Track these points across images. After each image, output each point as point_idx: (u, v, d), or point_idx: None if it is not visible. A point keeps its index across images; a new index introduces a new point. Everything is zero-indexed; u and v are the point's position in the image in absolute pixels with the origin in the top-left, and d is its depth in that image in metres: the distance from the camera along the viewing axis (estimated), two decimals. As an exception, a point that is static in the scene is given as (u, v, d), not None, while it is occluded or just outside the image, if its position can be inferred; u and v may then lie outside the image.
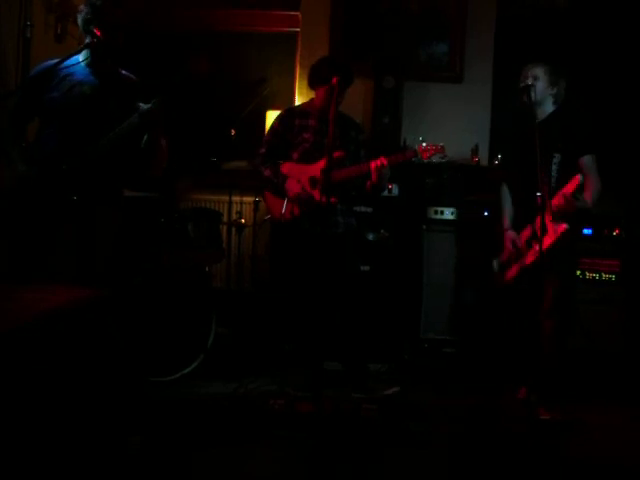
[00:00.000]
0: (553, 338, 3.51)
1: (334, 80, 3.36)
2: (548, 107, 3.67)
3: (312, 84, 3.80)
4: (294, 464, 2.85)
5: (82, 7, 3.17)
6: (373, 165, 3.57)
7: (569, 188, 3.40)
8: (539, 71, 3.62)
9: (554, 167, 3.57)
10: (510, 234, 3.75)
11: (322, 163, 3.53)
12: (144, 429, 2.90)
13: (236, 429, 3.14)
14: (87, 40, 3.16)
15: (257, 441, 3.07)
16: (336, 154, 3.52)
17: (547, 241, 3.41)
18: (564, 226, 3.43)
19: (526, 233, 3.65)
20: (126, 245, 3.65)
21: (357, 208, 4.32)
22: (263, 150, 3.81)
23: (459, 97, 5.12)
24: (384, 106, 4.96)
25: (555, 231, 3.44)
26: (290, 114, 3.86)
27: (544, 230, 3.34)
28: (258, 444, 3.03)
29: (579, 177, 3.39)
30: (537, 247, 3.38)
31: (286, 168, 3.74)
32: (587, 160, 3.59)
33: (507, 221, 3.81)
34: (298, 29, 5.40)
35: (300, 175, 3.70)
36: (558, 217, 3.44)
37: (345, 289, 3.74)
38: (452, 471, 2.90)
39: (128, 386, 3.02)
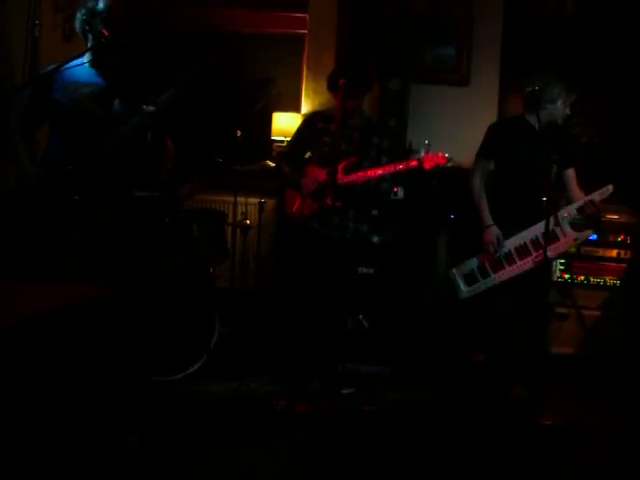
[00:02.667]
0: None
1: (340, 82, 3.46)
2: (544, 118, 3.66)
3: (330, 91, 3.88)
4: (294, 464, 2.86)
5: (78, 13, 3.18)
6: (371, 173, 3.64)
7: (597, 196, 3.53)
8: (558, 91, 3.64)
9: (552, 178, 3.59)
10: (494, 230, 3.66)
11: (339, 166, 3.57)
12: (144, 428, 2.90)
13: (237, 429, 3.15)
14: (89, 42, 3.17)
15: (257, 441, 3.07)
16: (349, 160, 3.68)
17: (563, 247, 3.55)
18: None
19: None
20: (131, 244, 3.66)
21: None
22: (286, 150, 4.09)
23: (465, 100, 5.11)
24: (390, 108, 4.94)
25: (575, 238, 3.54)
26: (314, 117, 4.01)
27: (548, 236, 3.35)
28: (258, 444, 3.04)
29: (611, 187, 3.52)
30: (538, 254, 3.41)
31: (307, 170, 3.86)
32: (572, 172, 3.74)
33: (488, 214, 3.72)
34: (305, 31, 5.41)
35: (315, 177, 3.80)
36: (583, 222, 3.56)
37: (335, 293, 3.75)
38: (453, 474, 2.90)
39: (128, 384, 3.03)
